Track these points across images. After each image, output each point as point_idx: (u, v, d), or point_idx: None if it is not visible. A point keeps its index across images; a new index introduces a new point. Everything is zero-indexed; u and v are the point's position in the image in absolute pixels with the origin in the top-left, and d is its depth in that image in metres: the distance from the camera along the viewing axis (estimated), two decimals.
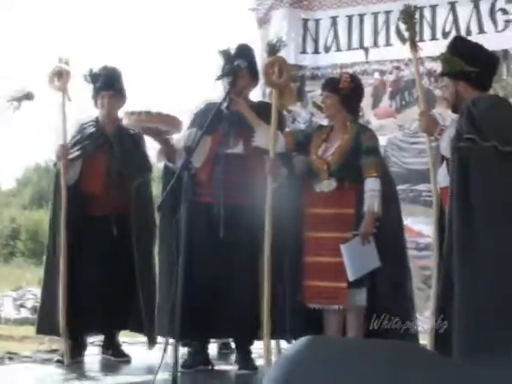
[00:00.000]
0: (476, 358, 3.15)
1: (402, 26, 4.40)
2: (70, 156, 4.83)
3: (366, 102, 4.85)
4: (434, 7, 5.78)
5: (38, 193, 29.41)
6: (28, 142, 51.01)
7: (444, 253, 3.71)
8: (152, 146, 4.84)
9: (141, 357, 4.91)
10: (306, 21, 6.30)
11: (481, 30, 5.57)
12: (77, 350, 4.81)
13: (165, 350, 4.31)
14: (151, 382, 3.38)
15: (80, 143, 4.92)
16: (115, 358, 4.92)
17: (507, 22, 5.48)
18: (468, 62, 3.82)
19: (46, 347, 5.17)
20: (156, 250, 4.86)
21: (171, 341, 4.22)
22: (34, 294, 9.82)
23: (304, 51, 6.27)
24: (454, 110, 4.00)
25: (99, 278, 4.78)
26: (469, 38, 4.93)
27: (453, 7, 5.71)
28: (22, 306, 9.76)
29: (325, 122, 4.72)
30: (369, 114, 5.94)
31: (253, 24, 6.47)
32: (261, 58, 5.05)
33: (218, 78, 4.48)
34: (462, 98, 3.87)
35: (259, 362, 4.49)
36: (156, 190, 5.15)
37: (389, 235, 4.36)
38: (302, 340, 2.04)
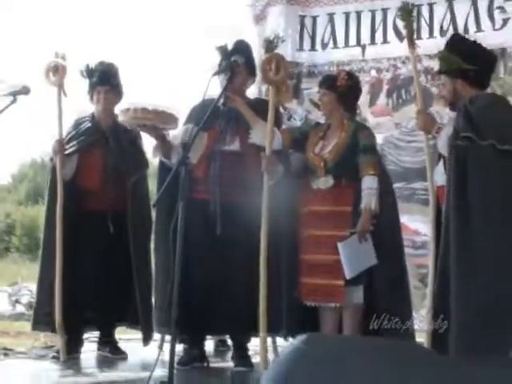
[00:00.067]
0: (473, 357, 3.15)
1: (400, 24, 4.40)
2: (66, 151, 4.82)
3: (362, 100, 4.84)
4: (431, 5, 5.77)
5: (33, 188, 29.41)
6: (24, 137, 50.95)
7: (440, 251, 3.71)
8: (148, 142, 4.83)
9: (137, 353, 4.90)
10: (302, 17, 6.28)
11: (478, 28, 5.55)
12: (73, 346, 4.80)
13: (161, 346, 4.32)
14: (147, 379, 3.37)
15: (76, 138, 4.91)
16: (112, 354, 4.92)
17: (505, 19, 5.48)
18: (466, 60, 3.82)
19: (41, 343, 5.15)
20: (152, 246, 4.85)
21: (167, 337, 4.22)
22: (29, 289, 9.81)
23: (301, 48, 6.26)
24: (452, 108, 4.00)
25: (96, 274, 4.78)
26: (466, 36, 4.93)
27: (450, 5, 5.69)
28: (17, 301, 9.74)
29: (321, 120, 4.71)
30: (365, 112, 5.93)
31: (249, 21, 6.45)
32: (257, 55, 5.03)
33: (215, 74, 4.45)
34: (459, 96, 3.87)
35: (255, 360, 4.48)
36: (151, 186, 5.14)
37: (386, 233, 4.36)
38: (301, 338, 2.03)
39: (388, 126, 5.91)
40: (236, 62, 4.51)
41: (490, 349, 3.38)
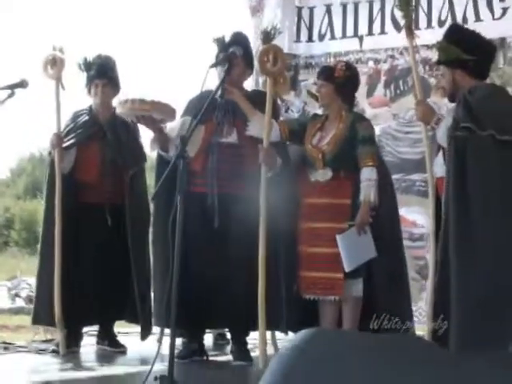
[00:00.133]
0: (473, 352, 3.14)
1: (398, 14, 4.37)
2: (64, 144, 4.80)
3: (360, 91, 4.80)
4: None
5: (32, 183, 29.37)
6: (22, 131, 50.91)
7: (440, 243, 3.70)
8: (146, 135, 4.81)
9: (136, 347, 4.89)
10: (299, 9, 6.25)
11: (477, 18, 5.51)
12: (72, 340, 4.79)
13: (160, 340, 4.31)
14: (147, 373, 3.36)
15: (73, 132, 4.90)
16: (111, 348, 4.91)
17: (504, 9, 5.44)
18: (465, 50, 3.80)
19: (41, 337, 5.14)
20: (150, 239, 4.83)
21: (167, 331, 4.21)
22: (28, 283, 9.81)
23: (298, 40, 6.23)
24: (451, 99, 3.98)
25: (95, 268, 4.77)
26: (465, 26, 4.91)
27: None
28: (16, 295, 9.74)
29: (319, 112, 4.69)
30: (363, 103, 5.90)
31: (246, 12, 6.42)
32: (254, 47, 5.01)
33: (213, 66, 4.41)
34: (458, 87, 3.85)
35: (255, 354, 4.47)
36: (149, 180, 5.13)
37: (385, 225, 4.34)
38: (302, 333, 2.02)
39: (386, 116, 5.89)
40: (234, 54, 4.48)
41: (490, 339, 3.37)
